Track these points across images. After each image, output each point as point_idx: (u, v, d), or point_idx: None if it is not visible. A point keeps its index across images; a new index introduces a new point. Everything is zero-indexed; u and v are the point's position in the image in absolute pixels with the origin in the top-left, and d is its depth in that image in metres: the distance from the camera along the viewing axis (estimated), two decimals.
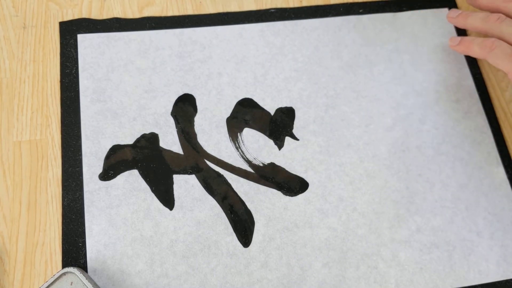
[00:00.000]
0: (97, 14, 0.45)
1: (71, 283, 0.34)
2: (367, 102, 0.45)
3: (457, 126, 0.45)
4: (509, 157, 0.44)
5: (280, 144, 0.42)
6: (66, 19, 0.44)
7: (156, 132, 0.41)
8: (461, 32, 0.49)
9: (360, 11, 0.48)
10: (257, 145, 0.42)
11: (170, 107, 0.42)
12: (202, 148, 0.41)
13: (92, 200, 0.39)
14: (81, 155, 0.40)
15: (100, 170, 0.40)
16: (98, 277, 0.37)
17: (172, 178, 0.40)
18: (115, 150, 0.40)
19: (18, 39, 0.43)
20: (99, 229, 0.38)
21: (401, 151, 0.43)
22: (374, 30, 0.47)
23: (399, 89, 0.45)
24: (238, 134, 0.42)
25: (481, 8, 0.45)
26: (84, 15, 0.45)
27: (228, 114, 0.43)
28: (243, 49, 0.45)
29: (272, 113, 0.43)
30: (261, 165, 0.41)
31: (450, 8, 0.49)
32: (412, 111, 0.45)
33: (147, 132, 0.41)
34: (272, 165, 0.41)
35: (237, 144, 0.42)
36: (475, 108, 0.46)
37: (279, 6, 0.47)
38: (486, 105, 0.46)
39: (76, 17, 0.45)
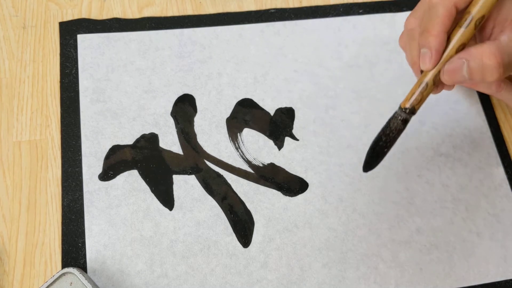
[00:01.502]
0: (97, 14, 0.45)
1: (71, 283, 0.34)
2: (367, 102, 0.44)
3: (457, 126, 0.44)
4: (509, 157, 0.44)
5: (280, 145, 0.42)
6: (66, 19, 0.44)
7: (156, 132, 0.41)
8: None
9: (360, 11, 0.48)
10: (257, 146, 0.42)
11: (169, 107, 0.42)
12: (202, 148, 0.41)
13: (92, 201, 0.39)
14: (80, 155, 0.40)
15: (99, 170, 0.40)
16: (98, 277, 0.37)
17: (171, 179, 0.40)
18: (114, 150, 0.40)
19: (18, 39, 0.43)
20: (98, 230, 0.38)
21: (401, 152, 0.43)
22: (374, 30, 0.47)
23: (399, 90, 0.45)
24: (238, 134, 0.42)
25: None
26: (84, 15, 0.45)
27: (228, 115, 0.43)
28: (243, 49, 0.45)
29: (272, 113, 0.43)
30: (261, 165, 0.41)
31: None
32: None
33: (147, 132, 0.41)
34: (272, 165, 0.41)
35: (237, 145, 0.42)
36: (475, 108, 0.46)
37: (279, 6, 0.47)
38: (486, 105, 0.46)
39: (76, 17, 0.45)
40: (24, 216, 0.38)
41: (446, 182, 0.42)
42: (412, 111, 0.33)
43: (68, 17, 0.45)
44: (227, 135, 0.42)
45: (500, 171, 0.43)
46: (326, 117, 0.43)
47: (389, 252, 0.39)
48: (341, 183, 0.41)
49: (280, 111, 0.43)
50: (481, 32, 0.32)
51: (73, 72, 0.43)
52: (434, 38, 0.31)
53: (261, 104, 0.43)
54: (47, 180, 0.39)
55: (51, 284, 0.34)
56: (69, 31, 0.44)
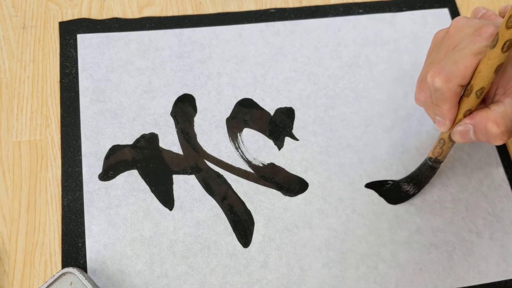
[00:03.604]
0: (96, 14, 0.45)
1: (71, 283, 0.34)
2: (367, 102, 0.44)
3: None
4: (509, 157, 0.44)
5: (279, 144, 0.42)
6: (65, 19, 0.44)
7: (156, 132, 0.41)
8: None
9: (360, 11, 0.48)
10: (256, 145, 0.42)
11: (169, 108, 0.42)
12: (201, 148, 0.41)
13: (92, 200, 0.39)
14: (80, 155, 0.40)
15: (99, 170, 0.40)
16: (98, 277, 0.37)
17: (171, 178, 0.40)
18: (114, 150, 0.40)
19: (18, 39, 0.43)
20: (98, 229, 0.38)
21: (400, 152, 0.43)
22: (374, 30, 0.47)
23: (399, 90, 0.45)
24: (238, 134, 0.42)
25: None
26: (84, 15, 0.45)
27: (228, 114, 0.43)
28: (242, 49, 0.45)
29: (272, 113, 0.43)
30: (261, 165, 0.41)
31: (450, 8, 0.49)
32: (412, 112, 0.45)
33: (147, 132, 0.41)
34: (271, 165, 0.41)
35: (236, 144, 0.42)
36: None
37: (278, 6, 0.47)
38: None
39: (76, 17, 0.45)
40: (24, 216, 0.38)
41: (445, 182, 0.42)
42: (438, 160, 0.38)
43: (68, 17, 0.45)
44: (227, 135, 0.42)
45: (500, 171, 0.43)
46: (325, 117, 0.43)
47: (389, 252, 0.39)
48: (341, 183, 0.41)
49: (280, 111, 0.43)
50: (486, 93, 0.33)
51: (73, 72, 0.43)
52: (446, 111, 0.33)
53: (261, 104, 0.43)
54: (47, 180, 0.39)
55: (51, 284, 0.34)
56: (69, 31, 0.44)
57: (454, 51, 0.32)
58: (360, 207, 0.41)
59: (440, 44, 0.35)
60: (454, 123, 0.33)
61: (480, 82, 0.31)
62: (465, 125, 0.32)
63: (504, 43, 0.29)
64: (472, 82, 0.31)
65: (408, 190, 0.40)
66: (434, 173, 0.39)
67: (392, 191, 0.41)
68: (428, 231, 0.40)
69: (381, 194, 0.41)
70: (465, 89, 0.32)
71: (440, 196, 0.42)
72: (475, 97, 0.31)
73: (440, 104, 0.33)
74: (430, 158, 0.38)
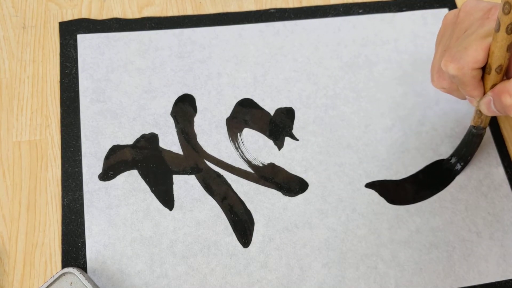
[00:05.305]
0: (96, 14, 0.45)
1: (71, 283, 0.34)
2: (367, 102, 0.44)
3: (457, 127, 0.44)
4: (509, 157, 0.44)
5: (279, 144, 0.42)
6: (65, 19, 0.44)
7: (156, 132, 0.41)
8: None
9: (360, 11, 0.48)
10: (256, 145, 0.42)
11: (169, 107, 0.42)
12: (201, 148, 0.41)
13: (92, 201, 0.39)
14: (80, 155, 0.40)
15: (99, 170, 0.40)
16: (98, 277, 0.37)
17: (171, 179, 0.40)
18: (114, 150, 0.40)
19: (18, 39, 0.43)
20: (98, 230, 0.38)
21: (400, 152, 0.43)
22: (374, 30, 0.47)
23: (399, 89, 0.45)
24: (238, 134, 0.42)
25: None
26: (84, 15, 0.45)
27: (228, 114, 0.43)
28: (242, 49, 0.45)
29: (272, 113, 0.43)
30: (261, 165, 0.41)
31: (450, 8, 0.49)
32: (412, 111, 0.45)
33: (147, 132, 0.41)
34: (271, 165, 0.41)
35: (236, 145, 0.42)
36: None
37: (278, 6, 0.47)
38: None
39: (76, 17, 0.45)
40: (24, 216, 0.38)
41: None
42: (481, 128, 0.39)
43: (68, 17, 0.45)
44: (227, 135, 0.42)
45: (500, 171, 0.43)
46: (325, 117, 0.44)
47: (389, 252, 0.39)
48: (341, 183, 0.41)
49: (280, 111, 0.43)
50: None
51: (73, 72, 0.43)
52: (471, 92, 0.34)
53: (261, 104, 0.43)
54: (47, 180, 0.39)
55: (51, 284, 0.34)
56: (69, 31, 0.44)
57: (464, 37, 0.33)
58: (360, 207, 0.41)
59: (451, 29, 0.35)
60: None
61: (496, 61, 0.32)
62: (487, 97, 0.33)
63: (507, 27, 0.30)
64: (489, 62, 0.32)
65: (456, 162, 0.42)
66: (481, 139, 0.40)
67: (444, 167, 0.42)
68: (427, 231, 0.40)
69: (434, 179, 0.42)
70: (485, 68, 0.33)
71: (439, 196, 0.42)
72: (495, 73, 0.32)
73: (462, 87, 0.34)
74: (473, 126, 0.39)
